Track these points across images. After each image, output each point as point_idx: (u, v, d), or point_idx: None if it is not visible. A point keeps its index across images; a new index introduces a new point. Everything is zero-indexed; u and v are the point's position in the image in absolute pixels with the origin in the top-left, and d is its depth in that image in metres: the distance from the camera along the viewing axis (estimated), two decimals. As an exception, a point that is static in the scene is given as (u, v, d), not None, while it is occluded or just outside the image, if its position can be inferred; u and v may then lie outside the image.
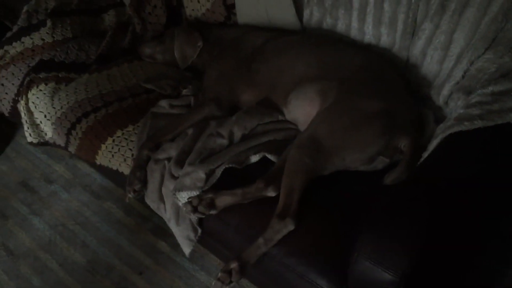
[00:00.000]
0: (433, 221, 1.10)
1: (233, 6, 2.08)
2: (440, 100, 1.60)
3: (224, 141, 1.62)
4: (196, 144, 1.65)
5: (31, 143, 2.16)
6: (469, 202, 1.17)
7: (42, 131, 2.12)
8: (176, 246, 2.06)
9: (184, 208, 1.50)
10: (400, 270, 1.07)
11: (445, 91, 1.56)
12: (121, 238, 2.17)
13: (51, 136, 2.07)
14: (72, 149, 1.98)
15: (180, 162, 1.61)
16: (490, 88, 1.34)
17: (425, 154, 1.35)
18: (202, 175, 1.54)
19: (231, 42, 1.95)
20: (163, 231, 2.15)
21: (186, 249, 1.60)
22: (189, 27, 2.06)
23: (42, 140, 2.15)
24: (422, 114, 1.58)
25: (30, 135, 2.13)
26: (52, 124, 2.01)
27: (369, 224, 1.14)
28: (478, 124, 1.25)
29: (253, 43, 1.88)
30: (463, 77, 1.49)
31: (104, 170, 1.90)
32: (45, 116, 2.04)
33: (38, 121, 2.10)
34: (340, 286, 1.28)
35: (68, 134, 1.94)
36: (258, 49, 1.85)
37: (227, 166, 1.54)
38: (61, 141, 2.02)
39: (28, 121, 2.10)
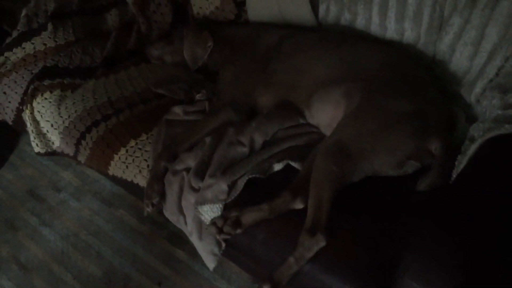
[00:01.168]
0: (483, 242, 1.03)
1: (243, 3, 1.98)
2: (471, 98, 1.52)
3: (245, 149, 1.55)
4: (215, 153, 1.57)
5: (38, 153, 2.07)
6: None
7: (49, 141, 2.03)
8: (194, 254, 1.99)
9: (209, 230, 1.43)
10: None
11: (478, 89, 1.48)
12: (137, 247, 2.10)
13: (58, 145, 1.99)
14: (82, 158, 1.90)
15: (199, 173, 1.54)
16: (529, 87, 1.27)
17: (463, 159, 1.28)
18: (224, 187, 1.47)
19: (244, 41, 1.86)
20: (179, 239, 2.09)
21: (211, 264, 1.54)
22: (198, 26, 1.97)
23: (49, 150, 2.06)
24: (452, 112, 1.51)
25: (37, 145, 2.05)
26: (59, 133, 1.93)
27: (416, 243, 1.08)
28: (520, 126, 1.18)
29: (267, 42, 1.79)
30: (497, 74, 1.41)
31: (117, 180, 1.83)
32: (51, 125, 1.96)
33: (44, 130, 2.01)
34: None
35: (78, 144, 1.86)
36: (273, 48, 1.76)
37: (250, 176, 1.47)
38: (69, 151, 1.94)
39: (34, 131, 2.02)
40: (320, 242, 1.29)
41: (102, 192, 2.37)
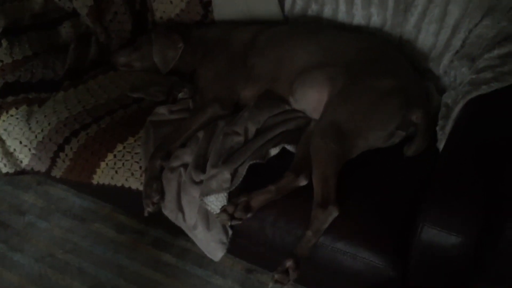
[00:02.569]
0: (489, 182, 1.17)
1: (209, 3, 2.04)
2: (440, 70, 1.68)
3: (241, 138, 1.60)
4: (211, 145, 1.62)
5: (6, 173, 1.98)
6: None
7: (17, 160, 1.95)
8: (182, 255, 2.02)
9: (219, 218, 1.47)
10: (467, 231, 1.12)
11: (445, 61, 1.65)
12: (121, 257, 2.05)
13: (28, 163, 1.92)
14: (57, 173, 1.85)
15: (199, 166, 1.57)
16: (496, 52, 1.44)
17: (448, 122, 1.42)
18: (227, 175, 1.51)
19: (217, 41, 1.92)
20: (164, 243, 2.08)
21: (219, 253, 1.56)
22: (167, 29, 1.99)
23: (18, 169, 1.98)
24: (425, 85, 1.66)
25: (5, 165, 1.96)
26: (31, 149, 1.87)
27: (431, 194, 1.19)
28: (495, 86, 1.34)
29: (241, 39, 1.87)
30: (462, 46, 1.58)
31: (100, 189, 1.79)
32: (20, 143, 1.89)
33: (11, 149, 1.93)
34: (396, 259, 1.31)
35: (55, 157, 1.82)
36: (248, 44, 1.84)
37: (251, 162, 1.52)
38: (41, 167, 1.88)
39: (1, 151, 1.93)
40: (333, 213, 1.37)
41: (72, 209, 2.29)
